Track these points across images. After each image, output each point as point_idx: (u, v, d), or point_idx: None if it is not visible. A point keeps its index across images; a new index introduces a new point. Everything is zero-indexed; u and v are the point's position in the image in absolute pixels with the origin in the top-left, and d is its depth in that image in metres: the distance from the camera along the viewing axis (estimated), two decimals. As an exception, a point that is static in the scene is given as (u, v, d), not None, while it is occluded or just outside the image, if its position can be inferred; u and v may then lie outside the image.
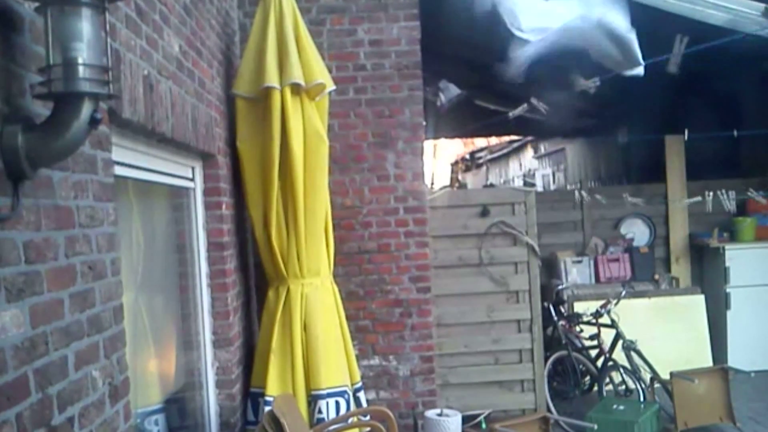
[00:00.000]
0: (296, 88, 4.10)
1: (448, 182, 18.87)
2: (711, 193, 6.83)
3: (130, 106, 2.49)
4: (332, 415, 4.17)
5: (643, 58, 5.24)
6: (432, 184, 16.91)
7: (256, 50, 4.18)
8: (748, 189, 6.81)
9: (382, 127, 5.18)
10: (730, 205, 6.76)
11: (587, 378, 6.27)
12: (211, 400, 3.98)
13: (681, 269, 7.50)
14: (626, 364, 5.81)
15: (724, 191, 6.77)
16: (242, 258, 4.52)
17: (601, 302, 6.12)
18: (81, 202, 2.09)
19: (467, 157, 19.90)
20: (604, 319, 6.01)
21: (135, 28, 2.64)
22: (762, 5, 4.71)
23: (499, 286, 5.76)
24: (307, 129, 4.18)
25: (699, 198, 6.92)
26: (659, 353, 6.08)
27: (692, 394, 5.32)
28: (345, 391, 4.28)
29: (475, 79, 9.15)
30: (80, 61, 1.66)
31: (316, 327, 4.24)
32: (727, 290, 6.99)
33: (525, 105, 8.13)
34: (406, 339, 5.24)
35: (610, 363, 5.89)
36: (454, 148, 20.49)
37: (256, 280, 4.82)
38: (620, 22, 4.89)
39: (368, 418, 4.36)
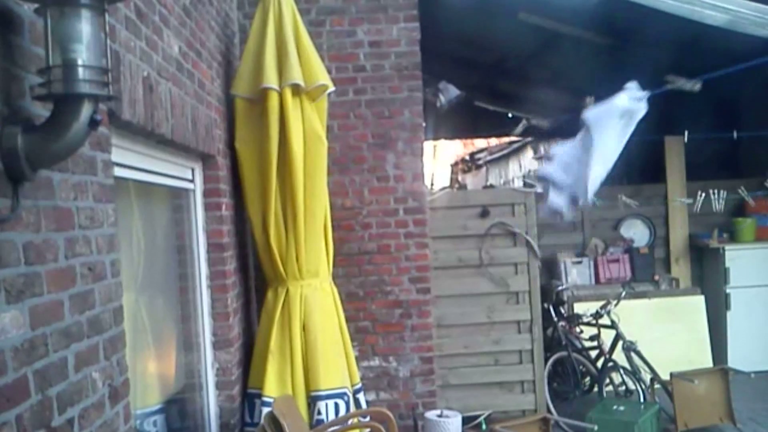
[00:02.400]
0: (295, 89, 4.10)
1: (447, 183, 18.88)
2: (704, 194, 6.83)
3: (129, 108, 2.49)
4: (332, 416, 4.16)
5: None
6: (432, 185, 16.92)
7: (256, 51, 4.18)
8: (747, 190, 6.81)
9: (381, 128, 5.18)
10: (719, 204, 6.75)
11: (587, 379, 6.26)
12: (211, 401, 3.98)
13: (681, 270, 7.50)
14: (626, 364, 5.80)
15: (716, 191, 6.77)
16: (242, 259, 4.52)
17: (601, 303, 6.11)
18: (81, 203, 2.09)
19: (467, 158, 19.89)
20: (604, 320, 6.01)
21: (134, 30, 2.65)
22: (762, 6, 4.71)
23: (499, 287, 5.76)
24: (306, 130, 4.18)
25: (695, 198, 6.93)
26: (659, 354, 6.07)
27: (692, 394, 5.32)
28: (345, 393, 4.28)
29: (475, 80, 9.17)
30: (80, 62, 1.66)
31: (314, 328, 4.24)
32: (727, 291, 6.98)
33: (524, 121, 8.20)
34: (406, 340, 5.23)
35: (610, 364, 5.88)
36: (453, 149, 20.49)
37: (256, 281, 4.82)
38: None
39: (368, 419, 4.36)
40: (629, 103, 4.87)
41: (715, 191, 6.81)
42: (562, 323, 6.28)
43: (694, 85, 5.01)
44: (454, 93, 7.46)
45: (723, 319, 6.98)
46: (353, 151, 5.18)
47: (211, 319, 4.00)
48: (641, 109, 4.88)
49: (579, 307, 6.63)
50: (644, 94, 4.89)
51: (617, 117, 4.88)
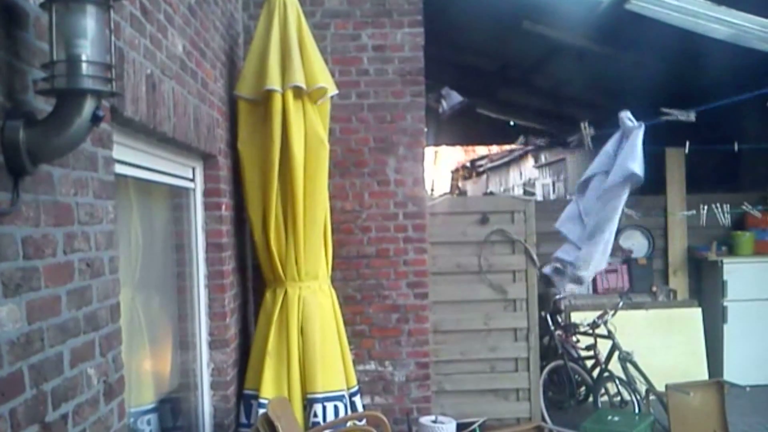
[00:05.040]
0: (298, 91, 4.10)
1: (448, 189, 18.90)
2: (706, 207, 6.84)
3: (132, 105, 2.49)
4: (329, 418, 4.16)
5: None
6: (432, 190, 16.93)
7: (260, 52, 4.18)
8: (747, 203, 6.82)
9: (383, 133, 5.19)
10: (725, 219, 6.77)
11: (582, 388, 6.26)
12: (206, 401, 3.97)
13: (679, 282, 7.50)
14: (622, 375, 5.80)
15: (719, 205, 6.78)
16: (240, 259, 4.52)
17: (599, 313, 6.12)
18: (81, 199, 2.09)
19: (468, 164, 19.93)
20: (601, 330, 6.01)
21: (139, 27, 2.65)
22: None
23: (497, 294, 5.76)
24: (308, 132, 4.18)
25: (694, 212, 6.94)
26: (655, 365, 6.08)
27: (687, 406, 5.30)
28: (342, 396, 4.27)
29: (477, 87, 9.18)
30: (84, 58, 1.66)
31: (313, 330, 4.23)
32: (725, 304, 6.98)
33: (522, 138, 8.28)
34: (402, 345, 5.23)
35: (606, 374, 5.88)
36: (454, 155, 20.53)
37: (254, 281, 4.82)
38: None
39: (363, 422, 4.36)
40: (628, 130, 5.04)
41: (719, 205, 6.82)
42: (558, 332, 6.28)
43: (689, 116, 5.08)
44: (456, 99, 7.48)
45: (719, 332, 6.98)
46: (354, 154, 5.18)
47: (207, 318, 3.99)
48: (638, 134, 5.04)
49: (576, 317, 6.63)
50: (640, 127, 5.03)
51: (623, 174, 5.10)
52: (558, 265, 5.54)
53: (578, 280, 5.40)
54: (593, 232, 5.29)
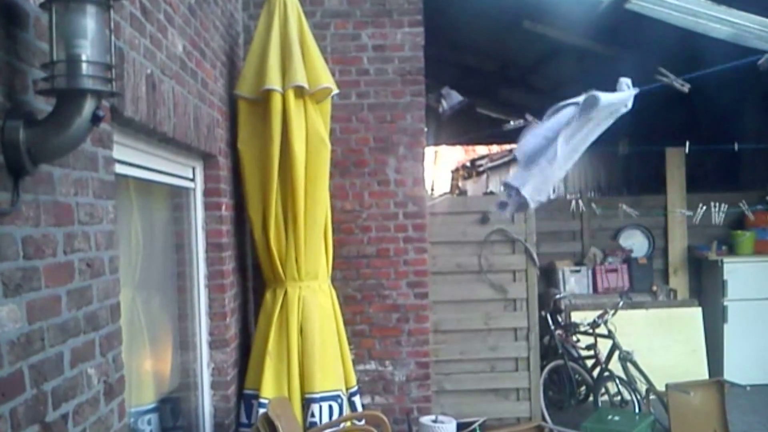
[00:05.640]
0: (299, 91, 4.10)
1: (448, 189, 18.88)
2: (704, 206, 6.84)
3: (132, 105, 2.49)
4: (325, 419, 4.16)
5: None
6: (432, 190, 16.92)
7: (260, 52, 4.18)
8: (746, 203, 6.81)
9: (383, 132, 5.18)
10: (719, 218, 6.77)
11: (583, 388, 6.26)
12: (206, 401, 3.97)
13: (679, 281, 7.50)
14: (622, 374, 5.79)
15: (719, 204, 6.77)
16: (241, 259, 4.51)
17: (599, 312, 6.11)
18: (81, 199, 2.09)
19: (468, 164, 19.91)
20: (601, 330, 6.01)
21: (139, 27, 2.65)
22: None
23: (497, 294, 5.75)
24: (309, 132, 4.18)
25: (691, 213, 6.94)
26: (655, 365, 6.07)
27: (687, 406, 5.30)
28: (339, 396, 4.27)
29: (478, 86, 9.18)
30: (84, 58, 1.66)
31: (312, 330, 4.23)
32: (725, 303, 6.98)
33: (521, 121, 8.26)
34: (402, 344, 5.23)
35: (606, 373, 5.87)
36: (454, 155, 20.53)
37: (254, 281, 4.82)
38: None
39: (363, 422, 4.35)
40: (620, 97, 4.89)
41: (716, 204, 6.81)
42: (559, 332, 6.28)
43: (683, 86, 5.04)
44: (456, 99, 7.46)
45: (720, 332, 6.98)
46: (354, 154, 5.18)
47: (208, 318, 3.99)
48: (627, 105, 4.89)
49: (576, 316, 6.62)
50: (633, 91, 4.91)
51: (605, 112, 4.88)
52: (503, 197, 5.28)
53: (522, 205, 5.17)
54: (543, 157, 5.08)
